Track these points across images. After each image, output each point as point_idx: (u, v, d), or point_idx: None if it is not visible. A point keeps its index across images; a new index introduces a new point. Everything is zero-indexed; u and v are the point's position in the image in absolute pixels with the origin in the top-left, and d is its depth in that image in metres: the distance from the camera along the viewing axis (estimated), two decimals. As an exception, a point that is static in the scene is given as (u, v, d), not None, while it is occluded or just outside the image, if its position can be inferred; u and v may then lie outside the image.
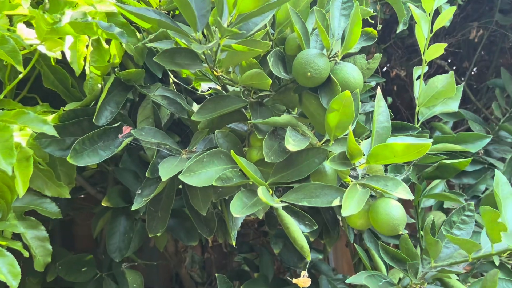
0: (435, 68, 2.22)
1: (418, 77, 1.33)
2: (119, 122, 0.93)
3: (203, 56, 0.85)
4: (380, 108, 0.85)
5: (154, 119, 1.02)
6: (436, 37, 2.15)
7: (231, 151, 0.84)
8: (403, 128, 1.20)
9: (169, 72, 1.19)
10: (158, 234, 1.02)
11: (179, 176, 0.82)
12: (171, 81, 1.17)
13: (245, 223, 1.93)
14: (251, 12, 0.82)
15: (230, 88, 1.02)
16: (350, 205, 0.76)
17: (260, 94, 0.95)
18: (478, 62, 2.35)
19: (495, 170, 1.03)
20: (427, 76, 1.85)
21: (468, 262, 1.05)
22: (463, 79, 2.24)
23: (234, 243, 1.10)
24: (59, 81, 1.01)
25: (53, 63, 0.98)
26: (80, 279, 1.35)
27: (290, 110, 1.05)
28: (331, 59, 0.90)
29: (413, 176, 1.29)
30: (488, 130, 1.85)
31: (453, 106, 1.34)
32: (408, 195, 0.80)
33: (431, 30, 1.22)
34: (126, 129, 0.92)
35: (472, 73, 2.36)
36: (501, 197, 1.00)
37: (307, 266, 1.59)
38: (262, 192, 0.77)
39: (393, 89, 2.27)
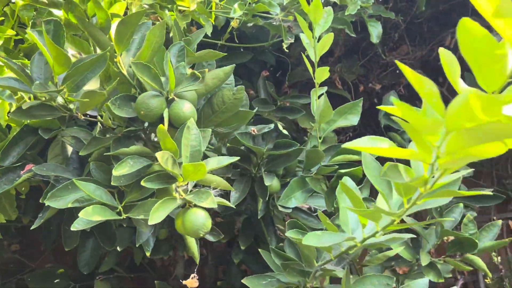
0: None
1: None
2: (23, 161, 1.20)
3: (61, 107, 1.09)
4: (192, 135, 1.03)
5: (63, 156, 1.28)
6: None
7: (74, 179, 1.07)
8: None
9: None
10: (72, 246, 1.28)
11: (45, 200, 1.07)
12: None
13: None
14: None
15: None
16: (157, 215, 0.96)
17: (128, 129, 1.17)
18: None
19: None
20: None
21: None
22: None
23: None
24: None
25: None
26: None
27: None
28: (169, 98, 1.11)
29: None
30: None
31: (353, 120, 1.47)
32: (211, 204, 0.98)
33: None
34: (28, 166, 1.19)
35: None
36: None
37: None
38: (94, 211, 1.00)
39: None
